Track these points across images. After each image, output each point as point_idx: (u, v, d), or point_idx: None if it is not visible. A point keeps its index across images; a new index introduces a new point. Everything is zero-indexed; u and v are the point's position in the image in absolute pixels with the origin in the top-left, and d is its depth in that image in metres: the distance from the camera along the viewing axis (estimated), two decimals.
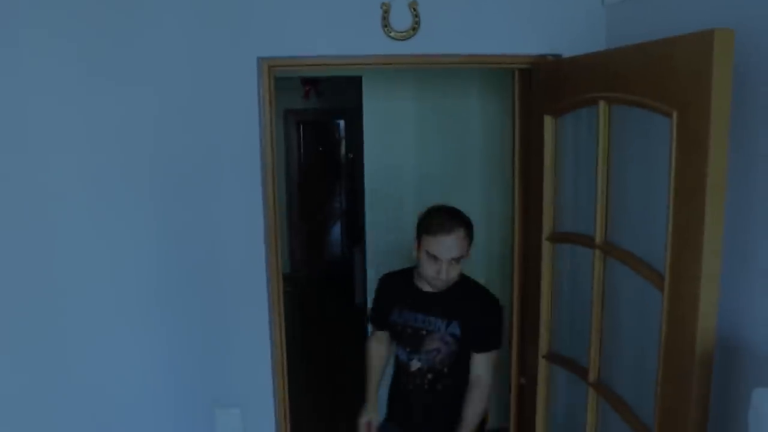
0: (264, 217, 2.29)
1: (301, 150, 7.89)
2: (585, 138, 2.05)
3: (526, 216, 2.44)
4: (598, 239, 1.93)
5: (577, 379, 2.12)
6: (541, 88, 2.26)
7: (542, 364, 2.31)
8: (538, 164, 2.26)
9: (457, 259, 2.09)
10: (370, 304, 2.59)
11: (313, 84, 6.94)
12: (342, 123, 8.21)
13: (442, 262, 2.08)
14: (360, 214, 4.38)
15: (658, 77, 1.60)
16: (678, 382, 1.54)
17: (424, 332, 2.23)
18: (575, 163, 2.18)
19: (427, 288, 2.22)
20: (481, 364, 2.20)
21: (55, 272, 2.18)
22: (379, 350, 2.46)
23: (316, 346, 5.52)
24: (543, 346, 2.30)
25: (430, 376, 2.25)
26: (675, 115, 1.53)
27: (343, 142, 6.22)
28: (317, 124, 8.38)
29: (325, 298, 6.90)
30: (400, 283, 2.33)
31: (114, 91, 2.15)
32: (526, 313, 2.43)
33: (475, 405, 2.19)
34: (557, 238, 2.22)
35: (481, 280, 2.30)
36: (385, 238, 3.85)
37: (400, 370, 2.34)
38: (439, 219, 2.11)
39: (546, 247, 2.25)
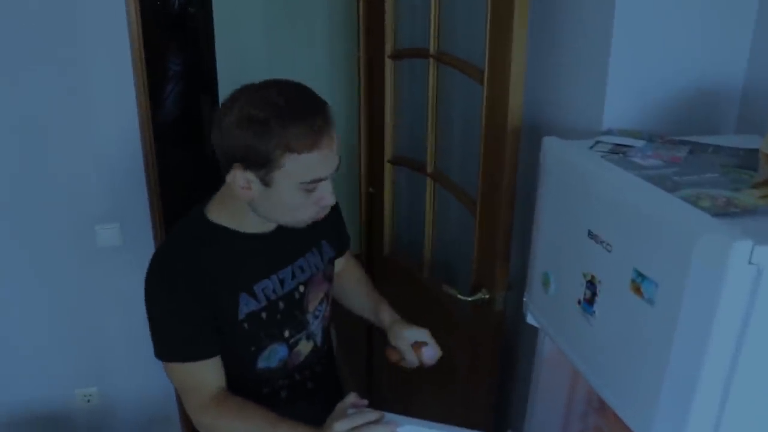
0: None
1: None
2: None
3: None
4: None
5: (417, 179, 2.56)
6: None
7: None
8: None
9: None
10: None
11: None
12: None
13: (328, 180, 1.36)
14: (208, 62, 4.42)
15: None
16: (495, 154, 1.99)
17: (303, 288, 1.58)
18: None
19: (261, 228, 1.49)
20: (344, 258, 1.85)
21: None
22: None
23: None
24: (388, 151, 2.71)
25: (313, 355, 1.66)
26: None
27: None
28: None
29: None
30: (227, 249, 1.44)
31: None
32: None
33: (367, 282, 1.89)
34: None
35: None
36: None
37: (261, 382, 1.57)
38: (300, 116, 1.25)
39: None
